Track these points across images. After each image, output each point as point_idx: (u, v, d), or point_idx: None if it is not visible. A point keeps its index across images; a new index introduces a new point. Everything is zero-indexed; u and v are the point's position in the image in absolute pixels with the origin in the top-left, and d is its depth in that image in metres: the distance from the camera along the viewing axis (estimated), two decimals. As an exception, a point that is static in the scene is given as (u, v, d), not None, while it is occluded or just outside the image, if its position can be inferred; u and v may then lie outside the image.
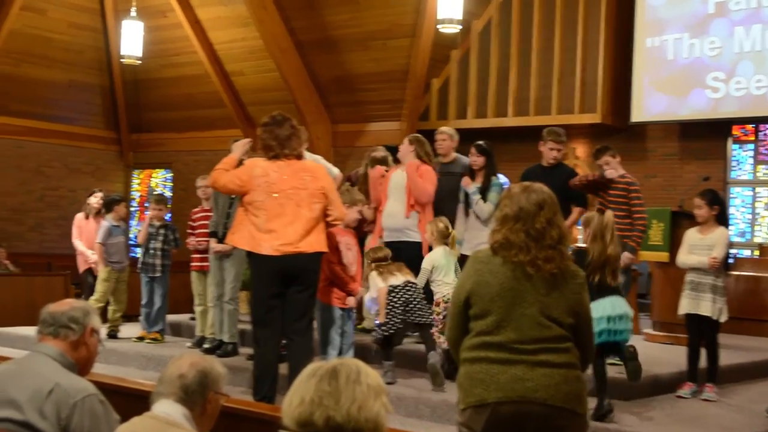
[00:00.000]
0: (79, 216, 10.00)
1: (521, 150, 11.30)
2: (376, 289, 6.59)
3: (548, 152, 7.34)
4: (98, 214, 9.78)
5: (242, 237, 5.81)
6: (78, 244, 9.83)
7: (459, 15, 10.69)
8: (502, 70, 12.79)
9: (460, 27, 10.95)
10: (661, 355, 7.54)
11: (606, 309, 5.54)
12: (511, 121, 12.62)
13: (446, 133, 7.96)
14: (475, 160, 7.39)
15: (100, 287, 8.87)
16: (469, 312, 3.27)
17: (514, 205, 3.29)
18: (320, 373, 2.15)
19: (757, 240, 11.75)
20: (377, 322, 6.62)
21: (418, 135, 7.91)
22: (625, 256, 6.89)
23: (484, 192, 7.29)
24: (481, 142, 7.49)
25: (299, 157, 5.92)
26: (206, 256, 8.03)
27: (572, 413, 3.17)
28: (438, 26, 11.01)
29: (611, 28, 12.06)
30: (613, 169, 7.14)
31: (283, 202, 5.75)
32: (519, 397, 3.10)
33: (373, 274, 6.64)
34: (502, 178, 7.59)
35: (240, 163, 6.08)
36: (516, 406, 3.10)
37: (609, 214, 5.84)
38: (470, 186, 7.35)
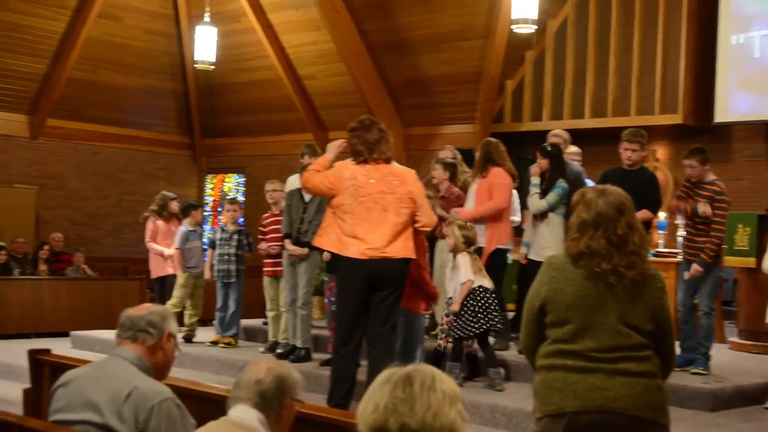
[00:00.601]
0: (158, 221, 9.98)
1: (599, 152, 10.98)
2: (466, 274, 6.46)
3: (623, 153, 7.05)
4: (174, 217, 9.84)
5: (329, 240, 5.75)
6: (155, 246, 9.84)
7: (534, 15, 10.51)
8: (578, 70, 12.50)
9: (535, 27, 10.75)
10: (748, 365, 7.30)
11: None
12: (588, 122, 12.31)
13: (561, 137, 7.71)
14: (539, 162, 7.17)
15: (177, 292, 8.94)
16: (545, 319, 3.19)
17: (591, 210, 3.17)
18: (395, 380, 2.10)
19: None
20: (450, 311, 6.50)
21: (490, 138, 7.74)
22: (693, 268, 6.60)
23: (546, 193, 7.05)
24: (545, 145, 7.28)
25: (388, 161, 5.85)
26: (279, 261, 8.00)
27: (653, 424, 3.09)
28: (512, 26, 10.83)
29: (693, 24, 11.67)
30: (697, 173, 6.82)
31: (370, 206, 5.67)
32: (597, 406, 3.02)
33: (467, 258, 6.49)
34: (590, 183, 7.34)
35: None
36: (595, 416, 3.03)
37: None
38: (535, 176, 7.14)
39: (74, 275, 12.49)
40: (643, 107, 11.91)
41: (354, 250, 5.62)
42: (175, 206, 9.92)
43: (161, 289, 9.75)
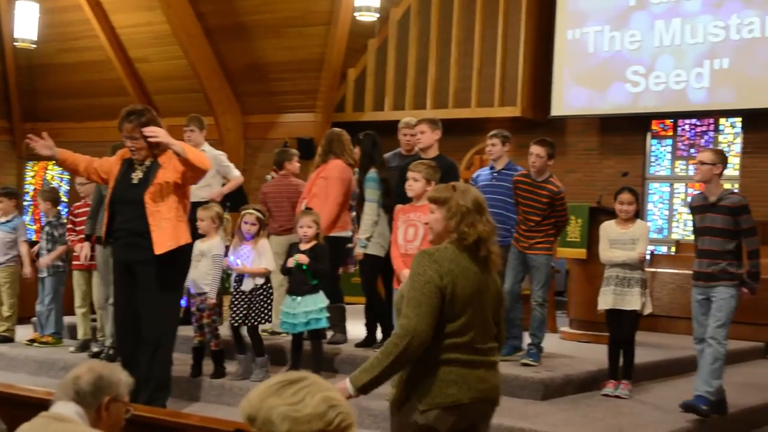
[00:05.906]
0: None
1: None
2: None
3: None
4: None
5: None
6: None
7: (377, 2, 10.47)
8: (420, 60, 12.46)
9: (378, 15, 10.66)
10: (578, 354, 7.35)
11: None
12: (429, 113, 12.21)
13: (408, 125, 7.37)
14: (354, 150, 7.09)
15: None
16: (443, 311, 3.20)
17: (468, 199, 3.33)
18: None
19: (674, 237, 11.63)
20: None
21: (334, 129, 7.50)
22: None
23: (362, 184, 6.90)
24: (359, 134, 7.12)
25: None
26: (91, 254, 7.36)
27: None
28: (355, 14, 10.74)
29: (532, 19, 11.82)
30: (540, 165, 6.76)
31: None
32: (485, 397, 3.27)
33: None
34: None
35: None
36: (482, 405, 3.28)
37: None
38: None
39: None
40: (483, 99, 11.98)
41: None
42: None
43: None
